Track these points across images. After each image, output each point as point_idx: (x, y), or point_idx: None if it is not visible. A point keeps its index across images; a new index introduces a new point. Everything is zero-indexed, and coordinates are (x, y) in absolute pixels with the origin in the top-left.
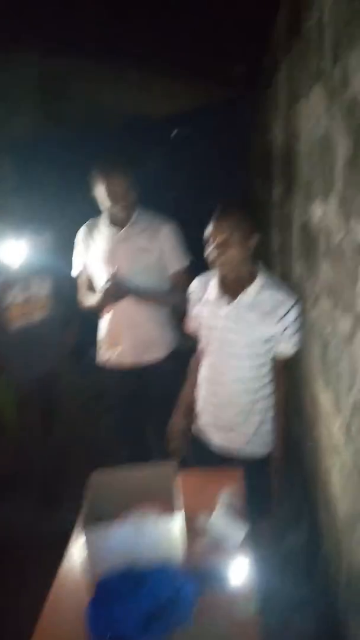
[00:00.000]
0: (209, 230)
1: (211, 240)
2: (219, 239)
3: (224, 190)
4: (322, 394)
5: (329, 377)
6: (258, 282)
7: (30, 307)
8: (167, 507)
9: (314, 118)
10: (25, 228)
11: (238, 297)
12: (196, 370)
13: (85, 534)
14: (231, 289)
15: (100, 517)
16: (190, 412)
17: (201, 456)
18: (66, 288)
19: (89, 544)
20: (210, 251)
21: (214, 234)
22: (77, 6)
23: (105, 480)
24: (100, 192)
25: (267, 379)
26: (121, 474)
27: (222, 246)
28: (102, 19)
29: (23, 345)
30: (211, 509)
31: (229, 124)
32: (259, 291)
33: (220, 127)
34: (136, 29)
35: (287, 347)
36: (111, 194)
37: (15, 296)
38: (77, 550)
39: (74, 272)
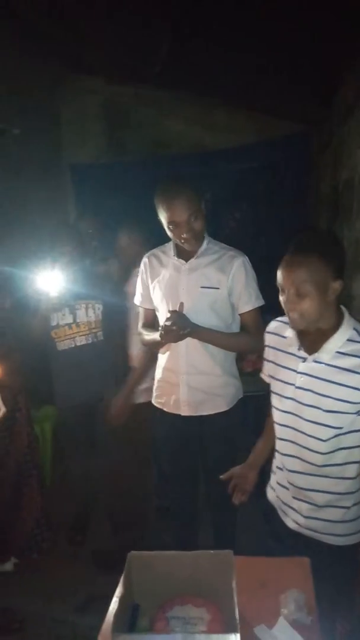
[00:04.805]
0: (280, 274)
1: (281, 287)
2: (290, 289)
3: (287, 226)
4: None
5: None
6: (342, 332)
7: (78, 330)
8: (216, 609)
9: None
10: (79, 253)
11: (317, 353)
12: (271, 428)
13: None
14: (309, 340)
15: (135, 607)
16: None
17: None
18: (120, 316)
19: None
20: (282, 300)
21: (285, 281)
22: (144, 36)
23: (147, 562)
24: (163, 221)
25: None
26: (165, 557)
27: (295, 297)
28: (167, 50)
29: (68, 368)
30: (273, 616)
31: (294, 159)
32: (344, 344)
33: (285, 162)
34: (201, 61)
35: None
36: (173, 223)
37: (63, 317)
38: None
39: (136, 301)
